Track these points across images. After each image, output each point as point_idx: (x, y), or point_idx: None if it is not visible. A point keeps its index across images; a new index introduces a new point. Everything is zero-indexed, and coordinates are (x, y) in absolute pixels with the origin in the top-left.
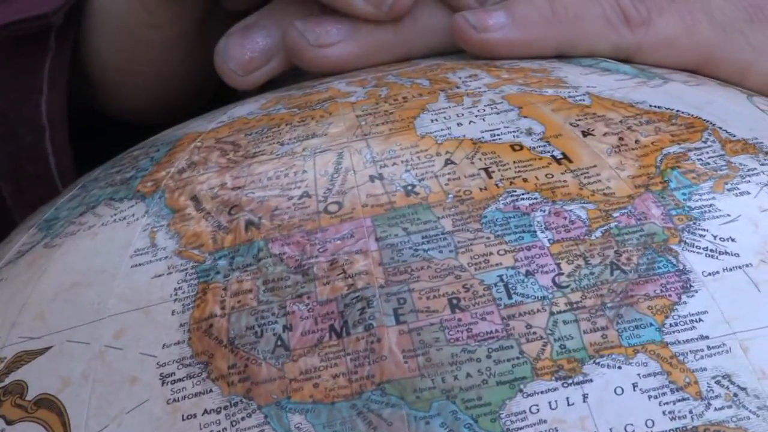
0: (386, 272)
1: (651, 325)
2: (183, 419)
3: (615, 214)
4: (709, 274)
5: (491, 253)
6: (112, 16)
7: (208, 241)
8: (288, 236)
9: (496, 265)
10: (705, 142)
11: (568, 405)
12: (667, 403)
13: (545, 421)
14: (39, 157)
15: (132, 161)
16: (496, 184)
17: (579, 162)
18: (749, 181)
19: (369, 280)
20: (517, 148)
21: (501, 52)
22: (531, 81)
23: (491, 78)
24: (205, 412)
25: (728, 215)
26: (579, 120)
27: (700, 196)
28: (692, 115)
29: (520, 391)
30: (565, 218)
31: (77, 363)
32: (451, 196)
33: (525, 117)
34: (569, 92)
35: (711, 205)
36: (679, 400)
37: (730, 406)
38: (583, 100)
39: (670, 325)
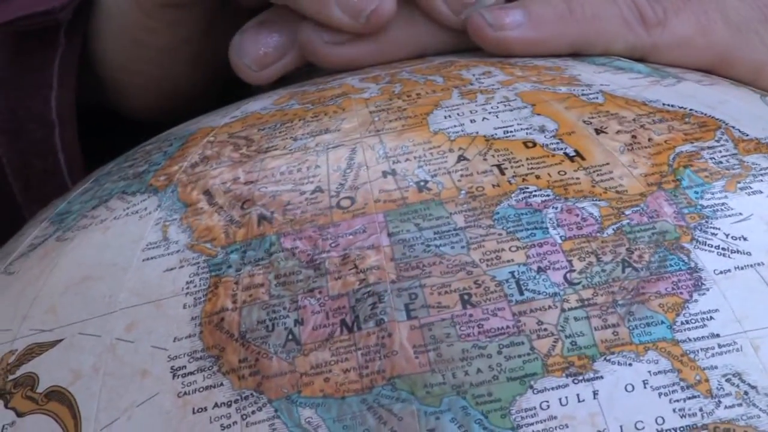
0: (398, 267)
1: (662, 322)
2: (193, 412)
3: (627, 212)
4: (721, 272)
5: (503, 250)
6: (113, 16)
7: (221, 235)
8: (300, 231)
9: (508, 261)
10: (718, 141)
11: (579, 402)
12: (677, 401)
13: (555, 418)
14: (48, 153)
15: (145, 155)
16: (509, 181)
17: (592, 159)
18: (762, 180)
19: (380, 275)
20: (530, 145)
21: (517, 50)
22: (544, 79)
23: (504, 75)
24: (216, 405)
25: (740, 214)
26: (592, 118)
27: (713, 194)
28: (705, 114)
29: (531, 387)
30: (578, 215)
31: (88, 356)
32: (463, 192)
33: (538, 114)
34: (582, 90)
35: (723, 204)
36: (690, 398)
37: (740, 405)
38: (597, 98)
39: (681, 323)
